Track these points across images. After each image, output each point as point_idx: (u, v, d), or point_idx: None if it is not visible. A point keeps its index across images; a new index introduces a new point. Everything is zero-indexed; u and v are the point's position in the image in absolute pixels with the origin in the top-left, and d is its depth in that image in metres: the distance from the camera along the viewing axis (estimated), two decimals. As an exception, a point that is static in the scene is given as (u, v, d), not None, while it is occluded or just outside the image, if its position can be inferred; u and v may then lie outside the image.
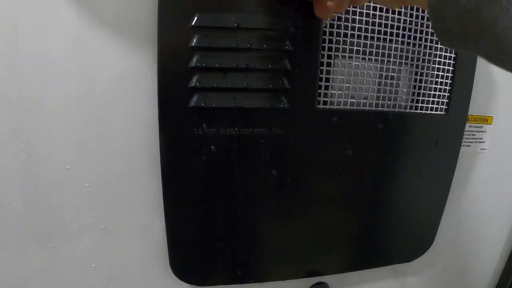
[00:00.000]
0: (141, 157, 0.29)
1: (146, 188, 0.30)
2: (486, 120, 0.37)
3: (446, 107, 0.33)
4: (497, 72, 0.36)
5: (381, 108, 0.31)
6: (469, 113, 0.35)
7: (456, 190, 0.38)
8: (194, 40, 0.26)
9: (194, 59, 0.26)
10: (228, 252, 0.31)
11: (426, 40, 0.31)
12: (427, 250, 0.39)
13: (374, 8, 0.29)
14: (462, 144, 0.36)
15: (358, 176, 0.32)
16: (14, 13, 0.25)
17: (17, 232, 0.29)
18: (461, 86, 0.33)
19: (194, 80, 0.26)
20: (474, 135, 0.37)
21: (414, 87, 0.32)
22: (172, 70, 0.26)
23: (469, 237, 0.41)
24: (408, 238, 0.37)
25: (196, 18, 0.26)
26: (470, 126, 0.36)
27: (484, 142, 0.38)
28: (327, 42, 0.28)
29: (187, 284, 0.33)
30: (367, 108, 0.31)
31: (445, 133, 0.33)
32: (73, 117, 0.27)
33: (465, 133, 0.36)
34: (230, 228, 0.31)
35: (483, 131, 0.37)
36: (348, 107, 0.30)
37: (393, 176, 0.33)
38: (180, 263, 0.31)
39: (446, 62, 0.32)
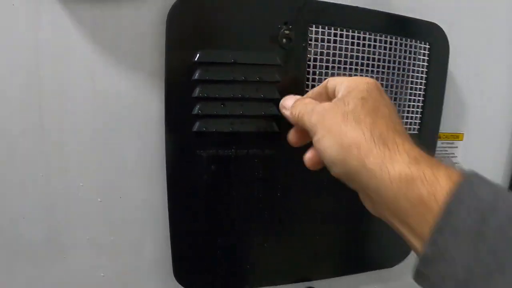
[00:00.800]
0: (149, 176, 0.33)
1: (153, 203, 0.34)
2: (457, 136, 0.42)
3: (418, 127, 0.38)
4: (466, 91, 0.41)
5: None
6: (442, 131, 0.41)
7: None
8: (197, 74, 0.30)
9: (197, 90, 0.31)
10: (225, 261, 0.36)
11: (399, 69, 0.36)
12: (406, 256, 0.43)
13: (353, 43, 0.34)
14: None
15: (340, 193, 0.37)
16: (36, 54, 0.29)
17: (31, 245, 0.33)
18: (432, 108, 0.38)
19: (197, 108, 0.31)
20: (447, 150, 0.42)
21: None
22: (177, 100, 0.31)
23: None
24: (387, 246, 0.41)
25: (198, 54, 0.30)
26: (442, 143, 0.41)
27: (457, 156, 0.43)
28: (311, 74, 0.33)
29: (189, 290, 0.37)
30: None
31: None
32: (88, 143, 0.31)
33: (438, 149, 0.41)
34: (227, 238, 0.35)
35: (455, 147, 0.42)
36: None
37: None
38: (182, 272, 0.35)
39: (417, 87, 0.37)
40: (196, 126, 0.31)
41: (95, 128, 0.31)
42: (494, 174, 0.46)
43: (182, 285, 0.36)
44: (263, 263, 0.37)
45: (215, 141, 0.32)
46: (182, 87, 0.31)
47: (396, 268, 0.44)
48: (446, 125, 0.41)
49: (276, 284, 0.39)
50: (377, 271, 0.43)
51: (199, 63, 0.30)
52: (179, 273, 0.35)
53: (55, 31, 0.29)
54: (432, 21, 0.36)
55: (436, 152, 0.41)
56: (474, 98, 0.42)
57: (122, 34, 0.30)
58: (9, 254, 0.32)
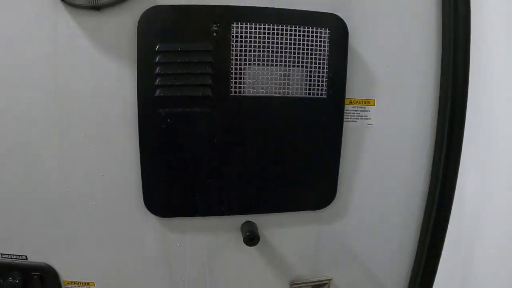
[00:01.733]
0: (126, 127, 0.50)
1: (128, 150, 0.50)
2: (368, 102, 0.54)
3: (326, 93, 0.51)
4: (373, 64, 0.53)
5: (276, 95, 0.50)
6: (352, 97, 0.53)
7: (350, 151, 0.54)
8: (157, 58, 0.47)
9: (157, 69, 0.48)
10: (182, 193, 0.50)
11: (305, 49, 0.50)
12: (332, 201, 0.55)
13: (266, 33, 0.49)
14: (349, 120, 0.53)
15: (269, 141, 0.51)
16: (55, 48, 0.48)
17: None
18: (336, 78, 0.51)
19: (157, 80, 0.48)
20: (359, 113, 0.54)
21: (306, 81, 0.51)
22: (145, 75, 0.48)
23: (370, 190, 0.56)
24: (313, 190, 0.53)
25: (158, 46, 0.47)
26: (354, 107, 0.53)
27: (370, 118, 0.54)
28: (233, 55, 0.48)
29: (156, 217, 0.52)
30: (267, 95, 0.50)
31: (328, 110, 0.51)
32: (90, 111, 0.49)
33: (350, 112, 0.54)
34: (182, 174, 0.50)
35: (367, 111, 0.54)
36: (252, 94, 0.49)
37: (294, 141, 0.51)
38: (150, 200, 0.51)
39: (322, 62, 0.50)
40: (157, 92, 0.48)
41: (94, 102, 0.49)
42: (405, 135, 0.56)
43: (150, 211, 0.51)
44: (211, 197, 0.51)
45: (170, 103, 0.48)
46: (148, 67, 0.48)
47: (326, 212, 0.56)
48: (356, 92, 0.53)
49: (222, 214, 0.53)
50: (308, 213, 0.55)
51: (159, 51, 0.47)
52: (148, 202, 0.51)
53: (67, 31, 0.48)
54: (333, 12, 0.50)
55: (348, 114, 0.53)
56: (380, 70, 0.54)
57: (109, 33, 0.49)
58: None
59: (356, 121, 0.54)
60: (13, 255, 0.56)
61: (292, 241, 0.56)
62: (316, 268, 0.59)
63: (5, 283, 0.56)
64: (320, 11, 0.50)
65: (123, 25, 0.48)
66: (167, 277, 0.55)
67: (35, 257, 0.56)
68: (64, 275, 0.57)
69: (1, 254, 0.57)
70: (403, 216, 0.59)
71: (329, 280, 0.59)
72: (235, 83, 0.49)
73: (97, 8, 0.48)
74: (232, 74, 0.48)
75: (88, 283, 0.57)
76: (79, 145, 0.51)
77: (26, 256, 0.56)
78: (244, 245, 0.53)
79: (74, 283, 0.57)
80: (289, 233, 0.56)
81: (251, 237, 0.50)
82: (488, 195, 0.57)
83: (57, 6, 0.48)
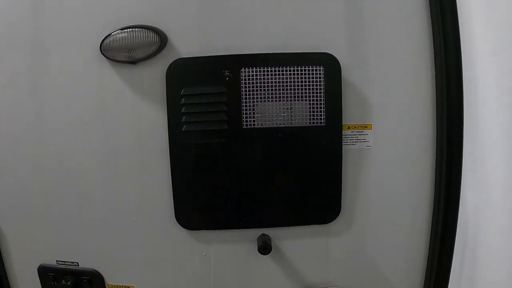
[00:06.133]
0: (159, 160, 0.69)
1: (162, 175, 0.69)
2: (366, 127, 0.68)
3: (324, 120, 0.66)
4: (368, 93, 0.67)
5: (282, 126, 0.66)
6: (350, 123, 0.68)
7: (351, 171, 0.68)
8: (182, 100, 0.66)
9: (183, 108, 0.66)
10: (207, 208, 0.68)
11: (303, 84, 0.66)
12: (337, 216, 0.69)
13: (270, 74, 0.65)
14: (348, 143, 0.68)
15: (279, 165, 0.67)
16: (101, 89, 0.69)
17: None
18: (332, 107, 0.66)
19: (184, 118, 0.66)
20: (358, 137, 0.68)
21: (307, 111, 0.67)
22: (174, 114, 0.67)
23: (374, 206, 0.70)
24: (319, 206, 0.68)
25: (183, 90, 0.66)
26: (352, 132, 0.68)
27: (368, 141, 0.68)
28: (243, 95, 0.65)
29: (185, 230, 0.70)
30: (275, 126, 0.66)
31: (328, 136, 0.66)
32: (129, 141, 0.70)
33: (349, 136, 0.68)
34: (208, 194, 0.68)
35: (365, 134, 0.68)
36: (261, 126, 0.66)
37: (300, 164, 0.67)
38: (181, 216, 0.69)
39: (319, 94, 0.66)
40: (184, 128, 0.66)
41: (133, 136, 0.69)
42: (403, 154, 0.69)
43: (181, 225, 0.70)
44: (231, 213, 0.69)
45: (194, 136, 0.66)
46: (176, 107, 0.67)
47: (333, 226, 0.70)
48: (353, 119, 0.68)
49: (240, 228, 0.69)
50: (316, 226, 0.70)
51: (183, 95, 0.66)
52: (179, 217, 0.69)
53: (110, 80, 0.68)
54: (327, 52, 0.65)
55: (347, 138, 0.68)
56: (375, 97, 0.68)
57: (143, 81, 0.68)
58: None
59: (355, 144, 0.68)
60: (67, 261, 0.78)
61: (304, 252, 0.71)
62: (326, 277, 0.73)
63: (59, 285, 0.78)
64: (315, 51, 0.66)
65: (154, 74, 0.68)
66: (195, 282, 0.73)
67: (85, 264, 0.77)
68: (108, 279, 0.77)
69: (56, 260, 0.79)
70: (404, 225, 0.71)
71: (338, 287, 0.73)
72: (246, 117, 0.66)
73: (133, 62, 0.68)
74: (243, 110, 0.66)
75: (128, 287, 0.77)
76: (124, 171, 0.71)
77: (77, 263, 0.78)
78: (262, 256, 0.70)
79: (117, 286, 0.77)
80: (301, 245, 0.71)
81: (264, 247, 0.66)
82: (488, 205, 0.68)
83: (102, 60, 0.69)
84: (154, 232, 0.72)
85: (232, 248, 0.71)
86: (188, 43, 0.67)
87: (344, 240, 0.71)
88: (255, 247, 0.71)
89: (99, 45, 0.67)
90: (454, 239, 0.71)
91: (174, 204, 0.69)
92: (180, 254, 0.72)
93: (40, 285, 0.79)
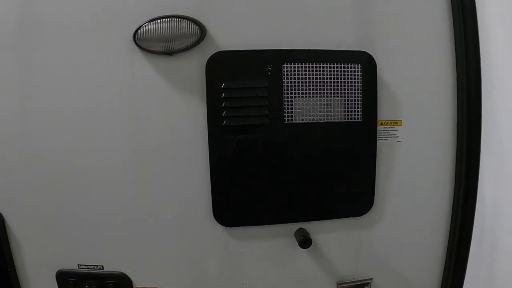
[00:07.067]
0: (196, 155, 0.69)
1: (200, 171, 0.69)
2: (396, 123, 0.73)
3: (361, 116, 0.70)
4: (399, 91, 0.72)
5: (321, 121, 0.69)
6: (382, 119, 0.72)
7: (383, 165, 0.73)
8: (223, 94, 0.67)
9: (223, 103, 0.67)
10: (245, 206, 0.69)
11: (342, 81, 0.69)
12: (370, 208, 0.73)
13: (311, 70, 0.68)
14: (381, 138, 0.72)
15: (316, 160, 0.70)
16: (133, 82, 0.68)
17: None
18: (368, 104, 0.70)
19: (224, 112, 0.67)
20: (389, 132, 0.72)
21: (344, 108, 0.70)
22: (214, 109, 0.67)
23: (403, 198, 0.75)
24: (354, 199, 0.72)
25: (223, 84, 0.67)
26: (384, 128, 0.72)
27: (398, 136, 0.73)
28: (285, 89, 0.68)
29: (222, 227, 0.70)
30: (314, 121, 0.69)
31: (364, 131, 0.70)
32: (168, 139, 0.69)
33: (381, 132, 0.72)
34: (246, 190, 0.69)
35: (396, 130, 0.73)
36: (301, 121, 0.68)
37: (336, 159, 0.70)
38: (219, 213, 0.69)
39: (357, 91, 0.69)
40: (224, 122, 0.67)
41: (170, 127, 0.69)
42: (430, 150, 0.75)
43: (219, 222, 0.70)
44: (268, 208, 0.70)
45: (235, 131, 0.67)
46: (216, 102, 0.67)
47: (366, 219, 0.74)
48: (385, 115, 0.72)
49: (277, 223, 0.71)
50: (350, 219, 0.74)
51: (224, 89, 0.67)
52: (216, 214, 0.69)
53: (142, 71, 0.67)
54: (363, 50, 0.69)
55: (380, 133, 0.72)
56: (405, 95, 0.73)
57: (179, 74, 0.68)
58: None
59: (387, 139, 0.73)
60: (90, 265, 0.75)
61: (338, 245, 0.74)
62: (357, 269, 0.76)
63: (82, 291, 0.75)
64: (352, 49, 0.70)
65: (191, 67, 0.68)
66: (231, 280, 0.73)
67: (110, 267, 0.75)
68: (137, 282, 0.75)
69: (78, 265, 0.75)
70: (432, 218, 0.77)
71: (370, 280, 0.77)
72: (287, 112, 0.68)
73: (169, 53, 0.67)
74: (284, 105, 0.68)
75: (159, 289, 0.75)
76: (156, 168, 0.69)
77: (102, 266, 0.75)
78: (297, 249, 0.72)
79: (146, 289, 0.75)
80: (335, 238, 0.74)
81: (305, 241, 0.68)
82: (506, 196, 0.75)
83: (134, 50, 0.67)
84: (189, 230, 0.71)
85: (268, 244, 0.73)
86: (227, 37, 0.67)
87: (375, 232, 0.75)
88: (291, 242, 0.72)
89: (133, 35, 0.65)
90: (472, 228, 0.77)
91: (212, 201, 0.69)
92: (216, 252, 0.72)
93: (58, 292, 0.75)
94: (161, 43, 0.66)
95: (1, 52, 0.67)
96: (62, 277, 0.74)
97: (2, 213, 0.73)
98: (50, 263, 0.74)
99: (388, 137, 0.73)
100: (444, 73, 0.74)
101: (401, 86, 0.72)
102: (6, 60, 0.67)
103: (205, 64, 0.67)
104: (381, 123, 0.72)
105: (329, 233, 0.74)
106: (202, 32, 0.66)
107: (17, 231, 0.74)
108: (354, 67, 0.69)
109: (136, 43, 0.66)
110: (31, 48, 0.67)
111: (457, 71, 0.74)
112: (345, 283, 0.76)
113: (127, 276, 0.74)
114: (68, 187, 0.71)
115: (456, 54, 0.74)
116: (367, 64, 0.69)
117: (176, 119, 0.69)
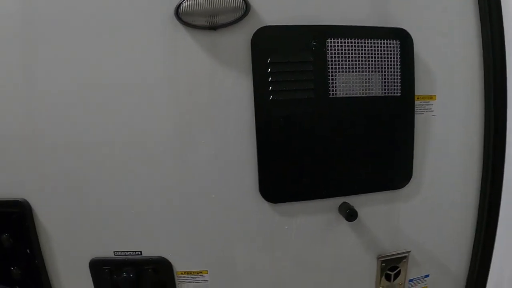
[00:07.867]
0: (242, 131, 0.69)
1: (247, 148, 0.69)
2: (431, 97, 0.77)
3: (400, 91, 0.73)
4: (433, 66, 0.76)
5: (363, 95, 0.71)
6: (418, 94, 0.76)
7: (419, 139, 0.76)
8: (269, 69, 0.67)
9: (270, 78, 0.67)
10: (292, 181, 0.70)
11: (382, 56, 0.72)
12: (409, 181, 0.76)
13: (353, 46, 0.70)
14: (417, 113, 0.76)
15: (358, 134, 0.72)
16: (176, 59, 0.67)
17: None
18: (407, 79, 0.73)
19: (270, 87, 0.67)
20: (425, 107, 0.76)
21: (383, 82, 0.73)
22: (260, 83, 0.67)
23: (437, 170, 0.79)
24: (394, 172, 0.75)
25: (270, 58, 0.67)
26: (420, 102, 0.76)
27: (433, 110, 0.77)
28: (329, 63, 0.69)
29: (268, 203, 0.70)
30: (356, 95, 0.71)
31: (403, 106, 0.73)
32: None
33: (418, 106, 0.76)
34: (293, 165, 0.69)
35: (431, 104, 0.77)
36: (345, 96, 0.70)
37: (377, 133, 0.73)
38: (265, 189, 0.69)
39: (396, 66, 0.73)
40: (271, 97, 0.67)
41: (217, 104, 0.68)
42: (463, 124, 0.79)
43: (265, 198, 0.70)
44: (314, 183, 0.71)
45: (281, 105, 0.68)
46: (262, 76, 0.67)
47: (405, 191, 0.77)
48: (421, 90, 0.76)
49: (322, 198, 0.72)
50: (388, 192, 0.76)
51: (271, 63, 0.67)
52: (263, 190, 0.69)
53: (185, 47, 0.66)
54: (401, 27, 0.73)
55: (416, 108, 0.75)
56: (439, 71, 0.77)
57: (224, 49, 0.68)
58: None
59: (423, 113, 0.76)
60: (127, 251, 0.72)
61: (377, 218, 0.76)
62: (396, 242, 0.79)
63: (120, 278, 0.71)
64: (390, 26, 0.73)
65: (236, 41, 0.68)
66: (275, 258, 0.73)
67: (149, 252, 0.72)
68: (178, 266, 0.73)
69: (114, 252, 0.72)
70: (462, 190, 0.81)
71: (408, 252, 0.79)
72: (332, 87, 0.70)
73: (214, 28, 0.67)
74: (329, 80, 0.69)
75: (201, 272, 0.73)
76: (200, 145, 0.68)
77: (140, 252, 0.72)
78: (340, 225, 0.73)
79: (188, 272, 0.73)
80: (376, 212, 0.76)
81: (351, 214, 0.69)
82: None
83: (176, 25, 0.66)
84: (233, 209, 0.71)
85: (313, 219, 0.73)
86: (271, 12, 0.68)
87: (413, 205, 0.78)
88: (334, 216, 0.74)
89: (175, 9, 0.65)
90: (500, 200, 0.82)
91: (258, 177, 0.69)
92: (262, 229, 0.72)
93: (92, 282, 0.71)
94: (205, 17, 0.66)
95: (50, 29, 0.64)
96: (97, 265, 0.71)
97: (30, 202, 0.69)
98: (82, 251, 0.71)
99: (424, 111, 0.76)
100: (472, 52, 0.79)
101: (435, 62, 0.76)
102: (56, 41, 0.65)
103: (250, 39, 0.67)
104: (418, 98, 0.76)
105: (370, 207, 0.76)
106: (247, 7, 0.66)
107: (46, 221, 0.70)
108: (393, 43, 0.72)
109: (179, 18, 0.66)
110: (71, 28, 0.65)
111: (483, 48, 0.79)
112: (386, 256, 0.78)
113: (167, 260, 0.72)
114: (105, 171, 0.68)
115: (482, 34, 0.79)
116: (404, 40, 0.73)
117: (221, 95, 0.68)
